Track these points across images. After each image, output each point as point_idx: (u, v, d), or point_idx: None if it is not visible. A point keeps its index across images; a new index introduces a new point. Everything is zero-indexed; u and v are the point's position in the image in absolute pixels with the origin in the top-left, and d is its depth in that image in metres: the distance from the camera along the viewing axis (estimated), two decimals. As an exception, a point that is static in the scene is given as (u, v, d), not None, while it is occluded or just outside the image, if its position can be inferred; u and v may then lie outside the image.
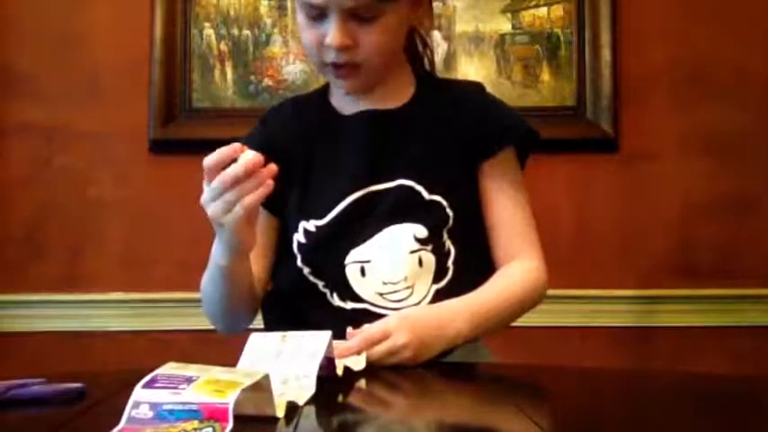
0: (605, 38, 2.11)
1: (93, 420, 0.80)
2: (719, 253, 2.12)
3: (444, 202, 1.19)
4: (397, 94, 1.26)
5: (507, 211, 1.22)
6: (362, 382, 0.96)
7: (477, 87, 1.31)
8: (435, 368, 1.09)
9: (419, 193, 1.19)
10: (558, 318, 2.04)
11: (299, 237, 1.21)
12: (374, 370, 1.00)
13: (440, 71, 2.05)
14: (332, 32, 1.13)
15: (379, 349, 1.02)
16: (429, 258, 1.18)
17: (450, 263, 1.19)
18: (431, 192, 1.19)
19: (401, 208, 1.18)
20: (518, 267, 1.21)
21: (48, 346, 2.04)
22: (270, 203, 1.21)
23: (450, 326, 1.11)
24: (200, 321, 2.06)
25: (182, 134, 2.08)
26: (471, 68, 2.10)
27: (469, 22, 2.13)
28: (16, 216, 2.10)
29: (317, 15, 1.15)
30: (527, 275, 1.20)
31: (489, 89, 1.33)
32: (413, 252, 1.17)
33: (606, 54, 2.11)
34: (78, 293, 2.08)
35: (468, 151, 1.22)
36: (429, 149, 1.21)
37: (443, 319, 1.11)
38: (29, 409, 0.82)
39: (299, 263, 1.21)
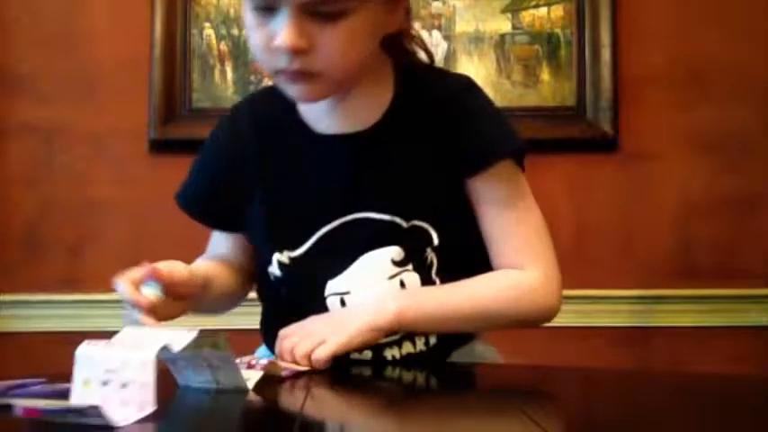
0: (605, 38, 2.11)
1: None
2: (719, 253, 2.12)
3: (425, 225, 1.09)
4: (373, 104, 1.11)
5: (498, 227, 1.11)
6: (365, 381, 0.96)
7: (462, 89, 1.14)
8: (436, 368, 1.10)
9: (399, 225, 1.08)
10: (557, 318, 2.03)
11: (273, 270, 1.13)
12: (378, 369, 1.00)
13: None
14: (283, 31, 0.95)
15: (286, 353, 1.03)
16: (412, 278, 1.09)
17: (433, 275, 1.11)
18: (408, 220, 1.08)
19: (378, 236, 1.08)
20: (511, 274, 1.11)
21: (48, 346, 2.04)
22: (226, 225, 1.22)
23: (375, 304, 1.06)
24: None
25: (182, 134, 2.08)
26: (471, 68, 2.10)
27: (469, 22, 2.13)
28: (16, 216, 2.10)
29: (266, 8, 0.96)
30: (514, 283, 1.11)
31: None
32: (392, 277, 1.09)
33: (606, 54, 2.11)
34: (78, 293, 2.07)
35: (452, 167, 1.10)
36: (408, 172, 1.10)
37: (364, 304, 1.08)
38: (29, 410, 0.82)
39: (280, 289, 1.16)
